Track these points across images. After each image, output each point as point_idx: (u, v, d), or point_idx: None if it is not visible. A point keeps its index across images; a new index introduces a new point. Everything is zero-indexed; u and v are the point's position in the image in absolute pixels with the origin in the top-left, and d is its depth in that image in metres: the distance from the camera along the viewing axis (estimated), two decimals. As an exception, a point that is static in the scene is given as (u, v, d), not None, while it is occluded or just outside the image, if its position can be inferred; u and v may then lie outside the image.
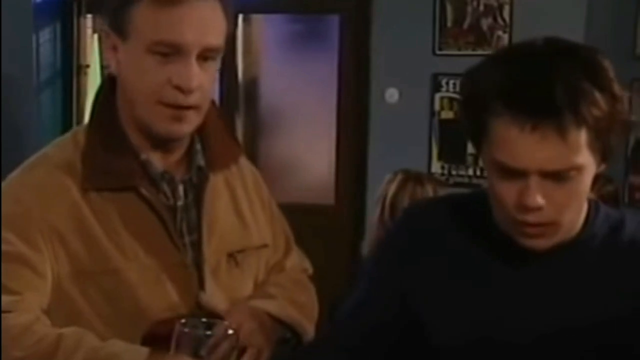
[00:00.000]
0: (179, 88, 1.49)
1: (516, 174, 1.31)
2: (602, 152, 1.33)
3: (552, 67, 1.28)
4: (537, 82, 1.27)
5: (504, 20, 4.75)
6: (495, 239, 1.41)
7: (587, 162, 1.31)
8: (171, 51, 1.49)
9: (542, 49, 1.33)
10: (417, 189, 3.11)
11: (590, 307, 1.39)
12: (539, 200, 1.30)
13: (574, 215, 1.37)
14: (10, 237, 1.49)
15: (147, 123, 1.54)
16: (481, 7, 4.79)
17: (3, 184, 1.57)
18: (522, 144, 1.28)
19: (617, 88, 1.31)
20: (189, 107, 1.52)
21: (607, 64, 1.32)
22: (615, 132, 1.32)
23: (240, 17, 5.18)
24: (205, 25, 1.50)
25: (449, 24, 4.83)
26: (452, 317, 1.45)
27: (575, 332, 1.39)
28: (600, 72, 1.31)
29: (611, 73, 1.32)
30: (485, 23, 4.79)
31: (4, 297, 1.46)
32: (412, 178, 3.16)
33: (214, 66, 1.55)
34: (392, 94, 4.96)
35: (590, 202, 1.43)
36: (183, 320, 1.30)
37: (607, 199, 3.00)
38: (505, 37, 4.73)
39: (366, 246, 3.21)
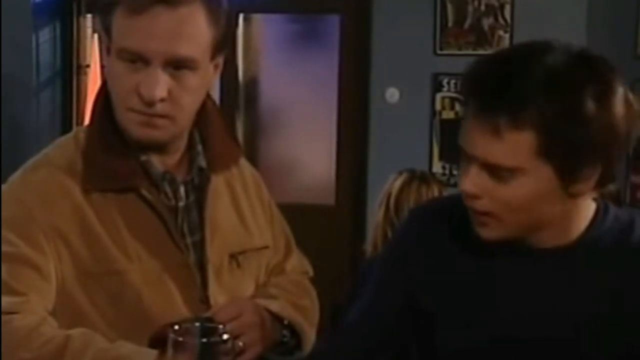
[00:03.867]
0: (141, 97, 1.49)
1: (467, 159, 1.34)
2: (571, 171, 1.30)
3: (520, 67, 1.29)
4: (494, 78, 1.29)
5: (505, 20, 4.75)
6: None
7: (531, 168, 1.29)
8: (137, 59, 1.49)
9: (529, 49, 1.33)
10: (423, 188, 3.11)
11: (594, 308, 1.39)
12: (471, 187, 1.33)
13: (523, 217, 1.34)
14: (13, 238, 1.49)
15: (124, 127, 1.55)
16: (482, 7, 4.79)
17: (5, 185, 1.57)
18: (471, 132, 1.31)
19: (591, 106, 1.26)
20: (158, 115, 1.51)
21: (592, 82, 1.28)
22: (590, 155, 1.29)
23: (241, 16, 5.19)
24: (174, 34, 1.47)
25: (449, 23, 4.83)
26: (458, 318, 1.46)
27: (577, 333, 1.39)
28: (579, 87, 1.27)
29: (600, 89, 1.28)
30: (486, 23, 4.79)
31: (9, 299, 1.45)
32: (417, 177, 3.16)
33: (195, 76, 1.51)
34: (392, 94, 4.96)
35: (599, 203, 1.42)
36: (177, 327, 1.29)
37: (608, 199, 2.98)
38: (506, 36, 4.74)
39: (369, 245, 3.20)
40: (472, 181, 1.33)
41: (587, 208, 1.40)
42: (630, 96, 1.33)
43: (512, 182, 1.30)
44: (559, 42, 1.34)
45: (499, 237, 1.37)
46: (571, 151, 1.28)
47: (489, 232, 1.37)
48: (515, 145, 1.28)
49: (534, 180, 1.30)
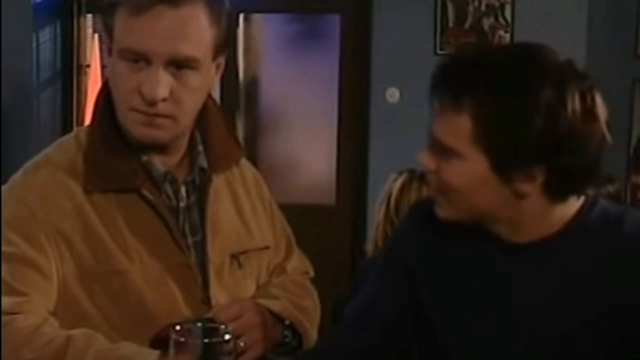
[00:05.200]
0: (143, 97, 1.49)
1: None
2: (506, 166, 1.33)
3: (480, 57, 1.37)
4: (455, 62, 1.39)
5: (505, 20, 4.75)
6: (487, 232, 1.44)
7: (467, 153, 1.35)
8: (139, 59, 1.48)
9: (506, 47, 1.42)
10: (423, 188, 3.11)
11: (582, 300, 1.39)
12: (422, 158, 1.42)
13: (466, 201, 1.39)
14: (15, 238, 1.49)
15: (125, 127, 1.55)
16: (482, 7, 4.78)
17: (6, 185, 1.57)
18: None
19: (532, 110, 1.30)
20: (160, 115, 1.51)
21: (541, 88, 1.31)
22: (528, 155, 1.32)
23: (241, 16, 5.19)
24: (176, 34, 1.47)
25: (450, 23, 4.83)
26: (455, 314, 1.47)
27: (569, 326, 1.39)
28: (527, 86, 1.31)
29: (550, 96, 1.30)
30: (487, 23, 4.78)
31: (11, 299, 1.46)
32: (417, 177, 3.16)
33: (197, 76, 1.51)
34: (393, 94, 4.96)
35: (587, 197, 1.43)
36: (178, 327, 1.29)
37: (608, 199, 2.98)
38: (507, 36, 4.73)
39: (369, 245, 3.20)
40: (425, 154, 1.42)
41: (567, 204, 1.41)
42: (598, 109, 1.34)
43: (452, 163, 1.37)
44: (551, 49, 1.37)
45: (451, 218, 1.43)
46: (506, 146, 1.32)
47: (441, 211, 1.44)
48: (453, 126, 1.35)
49: (470, 166, 1.36)
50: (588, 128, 1.33)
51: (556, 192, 1.37)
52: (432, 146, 1.40)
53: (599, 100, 1.35)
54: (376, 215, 3.18)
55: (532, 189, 1.36)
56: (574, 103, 1.31)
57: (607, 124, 1.36)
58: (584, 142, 1.33)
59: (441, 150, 1.38)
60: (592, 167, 1.37)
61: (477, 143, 1.34)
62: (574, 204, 1.41)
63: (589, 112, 1.33)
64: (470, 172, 1.36)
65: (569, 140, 1.31)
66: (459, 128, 1.34)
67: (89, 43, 5.37)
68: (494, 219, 1.42)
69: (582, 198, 1.42)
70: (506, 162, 1.34)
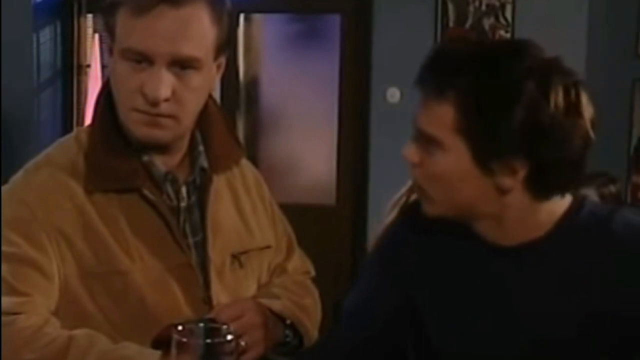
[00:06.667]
0: (146, 97, 1.49)
1: None
2: (487, 156, 1.34)
3: (465, 50, 1.38)
4: (440, 54, 1.40)
5: (505, 19, 4.75)
6: (475, 234, 1.44)
7: (450, 144, 1.35)
8: (141, 59, 1.49)
9: (494, 42, 1.42)
10: None
11: (575, 299, 1.39)
12: (406, 152, 1.42)
13: (448, 196, 1.40)
14: (16, 239, 1.49)
15: (127, 127, 1.55)
16: (483, 7, 4.78)
17: (7, 186, 1.57)
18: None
19: (514, 100, 1.31)
20: (162, 115, 1.51)
21: (526, 81, 1.32)
22: (509, 146, 1.32)
23: (242, 16, 5.19)
24: (178, 34, 1.48)
25: (450, 23, 4.83)
26: (454, 312, 1.47)
27: (564, 330, 1.40)
28: (509, 76, 1.32)
29: (533, 90, 1.31)
30: (487, 23, 4.78)
31: (12, 299, 1.46)
32: None
33: (199, 76, 1.52)
34: (393, 94, 4.96)
35: (576, 197, 1.43)
36: (180, 327, 1.30)
37: (609, 200, 2.99)
38: (507, 36, 4.73)
39: (371, 245, 3.20)
40: (410, 147, 1.42)
41: (553, 204, 1.41)
42: (582, 105, 1.34)
43: (435, 155, 1.37)
44: (537, 46, 1.38)
45: (435, 214, 1.43)
46: (487, 137, 1.33)
47: (428, 208, 1.44)
48: (436, 115, 1.36)
49: (452, 158, 1.36)
50: (571, 122, 1.33)
51: (539, 188, 1.37)
52: (416, 138, 1.40)
53: (584, 97, 1.35)
54: (387, 214, 3.16)
55: (514, 183, 1.36)
56: (557, 97, 1.32)
57: (592, 122, 1.36)
58: (566, 136, 1.33)
59: (424, 141, 1.38)
60: (575, 164, 1.36)
61: (459, 133, 1.34)
62: (561, 205, 1.41)
63: (573, 107, 1.33)
64: (452, 164, 1.36)
65: (551, 133, 1.32)
66: (441, 117, 1.35)
67: (89, 43, 5.37)
68: (478, 216, 1.41)
69: (570, 199, 1.42)
70: (488, 153, 1.34)
